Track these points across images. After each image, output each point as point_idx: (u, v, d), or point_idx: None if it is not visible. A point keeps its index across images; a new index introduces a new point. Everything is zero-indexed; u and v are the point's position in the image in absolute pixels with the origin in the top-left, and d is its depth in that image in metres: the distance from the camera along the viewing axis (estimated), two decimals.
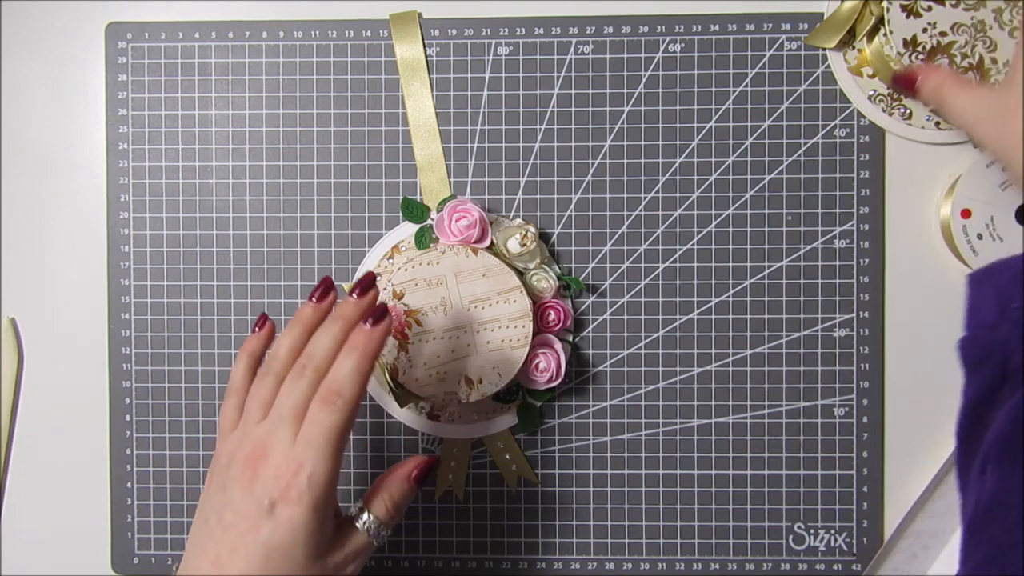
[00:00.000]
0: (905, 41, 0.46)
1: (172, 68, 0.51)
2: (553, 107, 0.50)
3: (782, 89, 0.50)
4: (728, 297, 0.50)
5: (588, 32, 0.50)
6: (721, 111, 0.50)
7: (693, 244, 0.50)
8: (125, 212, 0.51)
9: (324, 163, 0.51)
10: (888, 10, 0.47)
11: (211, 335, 0.51)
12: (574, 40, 0.50)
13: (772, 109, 0.50)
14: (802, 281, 0.50)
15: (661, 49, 0.50)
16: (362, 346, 0.39)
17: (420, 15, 0.50)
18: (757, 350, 0.50)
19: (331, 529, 0.39)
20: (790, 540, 0.50)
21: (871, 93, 0.49)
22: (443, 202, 0.50)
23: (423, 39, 0.50)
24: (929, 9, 0.46)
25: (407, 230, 0.51)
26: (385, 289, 0.47)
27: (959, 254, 0.48)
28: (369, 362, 0.39)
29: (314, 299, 0.42)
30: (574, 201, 0.51)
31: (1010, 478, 0.34)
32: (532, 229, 0.48)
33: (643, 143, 0.50)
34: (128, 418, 0.51)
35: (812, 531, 0.50)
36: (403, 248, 0.50)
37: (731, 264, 0.50)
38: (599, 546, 0.51)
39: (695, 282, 0.50)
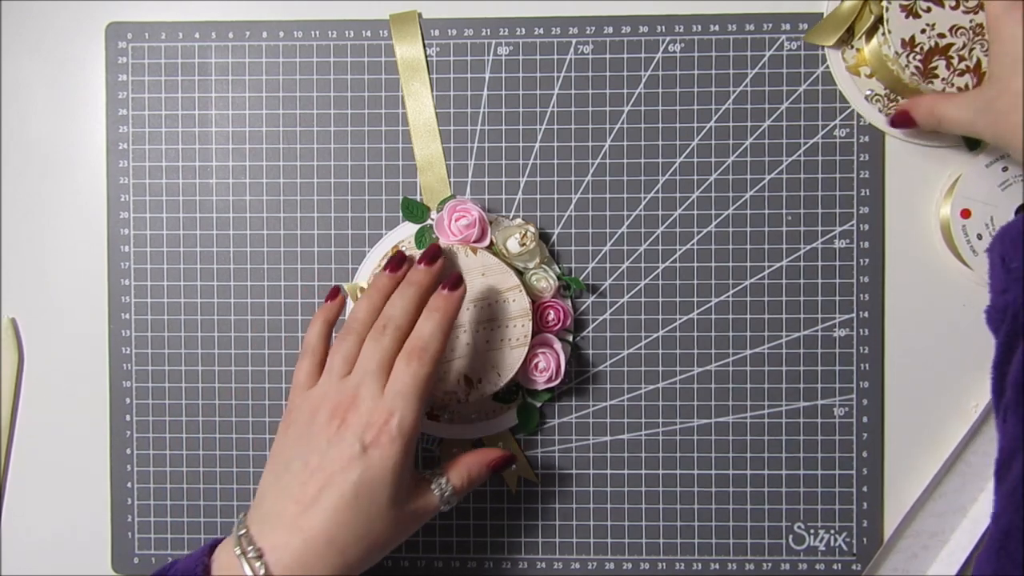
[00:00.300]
0: (903, 41, 0.46)
1: (172, 68, 0.51)
2: (553, 107, 0.50)
3: (782, 89, 0.50)
4: (728, 297, 0.50)
5: (588, 32, 0.50)
6: (721, 111, 0.50)
7: (693, 244, 0.50)
8: (125, 212, 0.51)
9: (324, 163, 0.51)
10: (887, 9, 0.46)
11: (211, 335, 0.51)
12: (574, 40, 0.50)
13: (772, 109, 0.50)
14: (802, 281, 0.50)
15: (661, 49, 0.50)
16: (443, 308, 0.43)
17: (420, 15, 0.50)
18: (757, 350, 0.50)
19: (410, 481, 0.42)
20: (790, 540, 0.50)
21: (868, 93, 0.49)
22: (443, 202, 0.50)
23: (423, 39, 0.50)
24: (928, 10, 0.46)
25: (407, 230, 0.51)
26: None
27: (959, 254, 0.48)
28: (449, 322, 0.43)
29: (388, 270, 0.45)
30: (574, 201, 0.51)
31: None
32: (532, 229, 0.48)
33: (643, 143, 0.50)
34: (128, 418, 0.51)
35: (812, 531, 0.50)
36: (403, 248, 0.50)
37: (731, 264, 0.50)
38: (599, 546, 0.51)
39: (695, 282, 0.50)
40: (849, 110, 0.50)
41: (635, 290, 0.50)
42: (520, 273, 0.48)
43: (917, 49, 0.46)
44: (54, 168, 0.52)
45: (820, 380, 0.50)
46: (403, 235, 0.51)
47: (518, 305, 0.47)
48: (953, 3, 0.46)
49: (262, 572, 0.38)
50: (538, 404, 0.50)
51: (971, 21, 0.46)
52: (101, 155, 0.52)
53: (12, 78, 0.52)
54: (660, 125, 0.50)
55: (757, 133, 0.50)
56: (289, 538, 0.39)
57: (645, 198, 0.50)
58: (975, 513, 0.50)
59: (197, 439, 0.51)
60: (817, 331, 0.50)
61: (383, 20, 0.51)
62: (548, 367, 0.48)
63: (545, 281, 0.49)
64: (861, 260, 0.50)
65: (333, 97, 0.51)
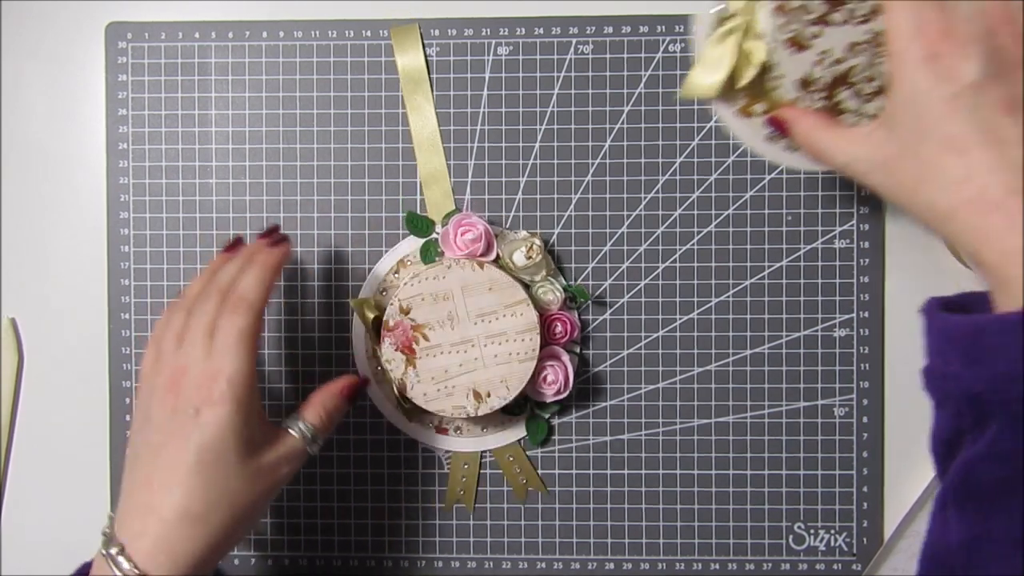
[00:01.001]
0: (799, 83, 0.38)
1: (172, 68, 0.51)
2: (553, 107, 0.50)
3: None
4: (728, 297, 0.50)
5: (588, 32, 0.50)
6: None
7: (693, 244, 0.50)
8: (125, 212, 0.51)
9: (324, 163, 0.51)
10: (774, 52, 0.38)
11: None
12: (574, 40, 0.50)
13: None
14: (802, 281, 0.50)
15: (661, 49, 0.50)
16: (262, 261, 0.43)
17: (420, 29, 0.50)
18: (757, 350, 0.50)
19: (260, 431, 0.41)
20: (790, 540, 0.50)
21: (768, 132, 0.41)
22: (448, 216, 0.50)
23: (424, 52, 0.50)
24: (818, 34, 0.38)
25: (412, 244, 0.51)
26: (392, 304, 0.47)
27: (959, 255, 0.48)
28: (270, 272, 0.42)
29: (225, 252, 0.45)
30: (574, 201, 0.51)
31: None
32: (538, 242, 0.48)
33: (643, 143, 0.50)
34: (128, 418, 0.51)
35: (812, 531, 0.50)
36: (409, 262, 0.50)
37: (731, 264, 0.50)
38: (599, 546, 0.51)
39: (695, 282, 0.50)
40: None
41: (635, 290, 0.50)
42: (527, 286, 0.48)
43: (817, 86, 0.38)
44: (54, 168, 0.52)
45: (820, 380, 0.50)
46: (408, 249, 0.50)
47: (525, 319, 0.47)
48: (844, 17, 0.37)
49: (126, 566, 0.37)
50: (547, 416, 0.50)
51: (868, 32, 0.37)
52: (101, 155, 0.52)
53: (12, 78, 0.52)
54: (660, 125, 0.50)
55: None
56: (144, 523, 0.38)
57: (645, 198, 0.50)
58: None
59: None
60: (817, 331, 0.50)
61: (383, 20, 0.51)
62: (556, 379, 0.48)
63: (552, 294, 0.49)
64: (861, 260, 0.50)
65: (333, 97, 0.51)
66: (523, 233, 0.50)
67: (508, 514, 0.51)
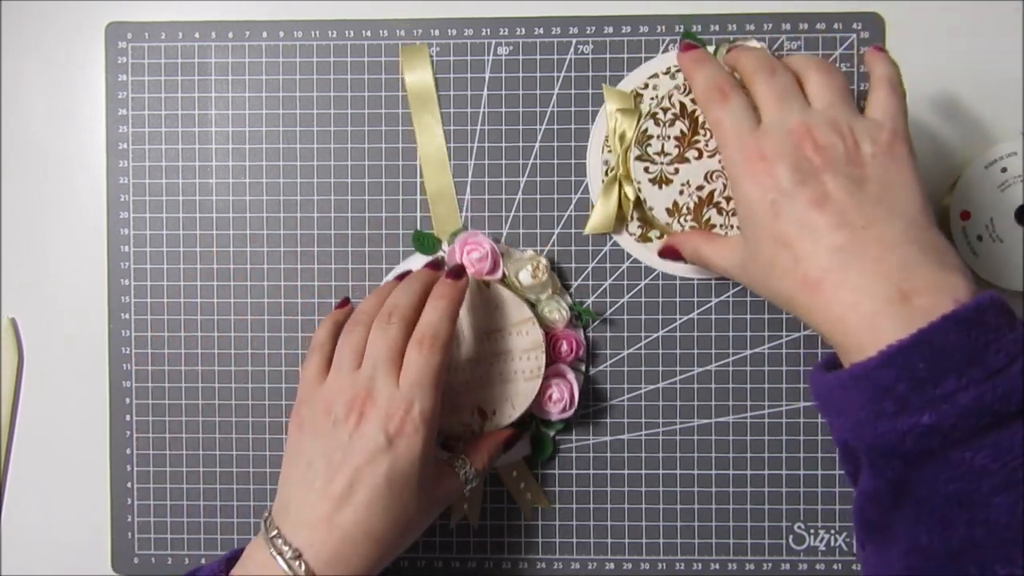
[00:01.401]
0: (668, 211, 0.45)
1: (172, 68, 0.51)
2: (553, 107, 0.50)
3: None
4: (728, 297, 0.50)
5: (588, 32, 0.50)
6: None
7: None
8: (125, 212, 0.51)
9: (324, 163, 0.51)
10: (640, 190, 0.45)
11: (211, 335, 0.51)
12: (574, 40, 0.50)
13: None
14: None
15: (660, 49, 0.50)
16: (447, 295, 0.44)
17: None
18: (757, 350, 0.50)
19: (433, 466, 0.43)
20: (790, 540, 0.51)
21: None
22: (454, 234, 0.50)
23: (434, 72, 0.50)
24: (676, 171, 0.45)
25: (418, 261, 0.50)
26: None
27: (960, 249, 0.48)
28: (455, 308, 0.44)
29: (397, 280, 0.47)
30: (574, 201, 0.51)
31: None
32: (543, 261, 0.48)
33: None
34: (128, 418, 0.51)
35: (812, 531, 0.50)
36: None
37: None
38: (599, 546, 0.51)
39: (695, 282, 0.50)
40: None
41: (635, 290, 0.50)
42: (532, 305, 0.48)
43: (683, 211, 0.45)
44: (54, 168, 0.52)
45: None
46: (415, 266, 0.50)
47: (531, 337, 0.47)
48: (696, 154, 0.45)
49: (302, 571, 0.38)
50: (552, 433, 0.50)
51: (721, 161, 0.44)
52: (101, 155, 0.52)
53: (12, 78, 0.52)
54: None
55: None
56: (326, 535, 0.39)
57: None
58: None
59: (197, 439, 0.51)
60: None
61: (383, 20, 0.51)
62: (562, 398, 0.49)
63: (558, 312, 0.49)
64: None
65: (333, 97, 0.51)
66: (529, 252, 0.50)
67: (508, 514, 0.51)
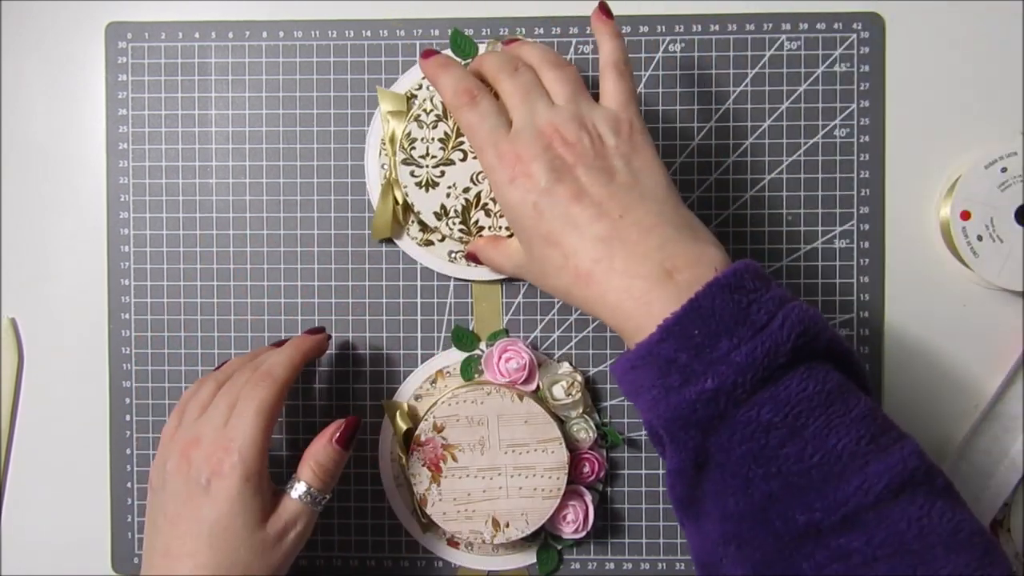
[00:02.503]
0: (436, 214, 0.46)
1: (172, 68, 0.51)
2: None
3: (782, 89, 0.50)
4: None
5: (588, 32, 0.50)
6: (721, 111, 0.50)
7: None
8: (125, 212, 0.51)
9: (324, 163, 0.51)
10: (407, 194, 0.46)
11: (211, 335, 0.51)
12: (574, 40, 0.50)
13: (772, 109, 0.50)
14: (802, 281, 0.50)
15: (661, 49, 0.50)
16: (297, 343, 0.45)
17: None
18: None
19: (268, 501, 0.42)
20: None
21: (449, 253, 0.50)
22: (494, 335, 0.50)
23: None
24: (442, 174, 0.46)
25: (454, 356, 0.50)
26: (426, 420, 0.47)
27: (959, 255, 0.48)
28: (301, 355, 0.45)
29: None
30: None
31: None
32: (579, 378, 0.49)
33: None
34: (128, 418, 0.51)
35: None
36: (447, 374, 0.50)
37: None
38: (599, 546, 0.51)
39: None
40: (849, 110, 0.50)
41: None
42: (561, 422, 0.48)
43: (451, 214, 0.46)
44: (54, 168, 0.52)
45: None
46: (448, 360, 0.51)
47: (556, 457, 0.47)
48: (461, 156, 0.46)
49: None
50: (558, 547, 0.50)
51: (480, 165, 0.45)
52: (101, 155, 0.52)
53: (12, 78, 0.52)
54: (660, 125, 0.50)
55: (757, 133, 0.50)
56: None
57: None
58: (976, 511, 0.50)
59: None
60: None
61: (383, 20, 0.51)
62: (576, 519, 0.49)
63: (585, 432, 0.49)
64: (861, 260, 0.50)
65: (333, 97, 0.51)
66: (566, 367, 0.50)
67: None
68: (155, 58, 0.51)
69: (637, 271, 0.36)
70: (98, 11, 0.51)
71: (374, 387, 0.51)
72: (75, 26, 0.52)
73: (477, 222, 0.46)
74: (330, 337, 0.49)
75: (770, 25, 0.50)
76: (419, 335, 0.51)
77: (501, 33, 0.50)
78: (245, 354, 0.47)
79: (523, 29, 0.50)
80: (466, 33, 0.50)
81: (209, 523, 0.39)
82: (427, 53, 0.43)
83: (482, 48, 0.49)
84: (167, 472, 0.41)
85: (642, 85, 0.50)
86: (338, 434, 0.44)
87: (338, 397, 0.51)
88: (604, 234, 0.37)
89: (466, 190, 0.46)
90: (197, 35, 0.51)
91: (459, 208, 0.46)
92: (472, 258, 0.46)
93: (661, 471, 0.51)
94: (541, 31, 0.50)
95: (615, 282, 0.36)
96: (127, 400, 0.51)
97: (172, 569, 0.39)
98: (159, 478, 0.42)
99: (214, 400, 0.43)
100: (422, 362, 0.51)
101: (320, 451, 0.44)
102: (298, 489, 0.43)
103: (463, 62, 0.48)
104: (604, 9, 0.43)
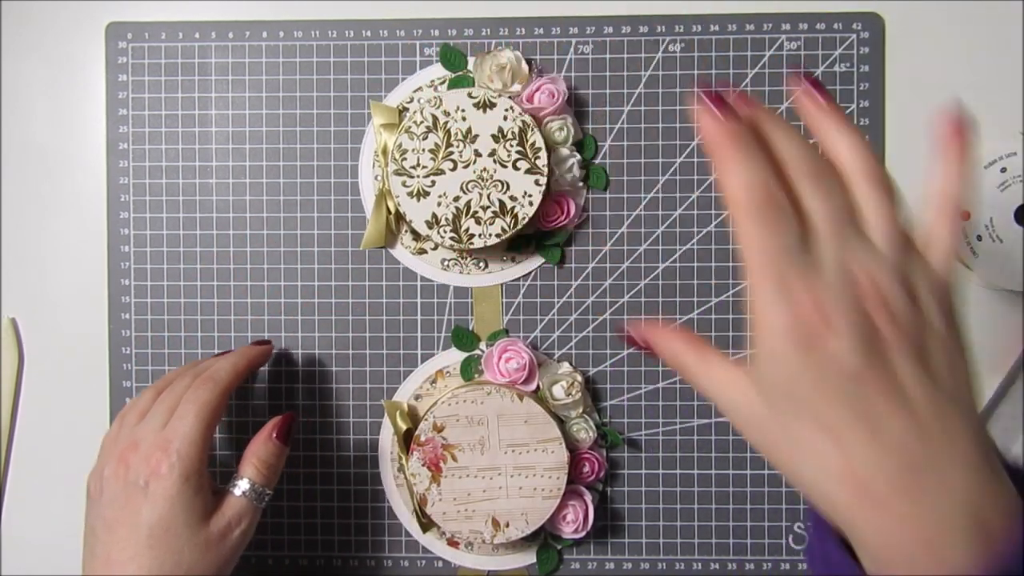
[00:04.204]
0: (428, 223, 0.47)
1: (172, 68, 0.51)
2: None
3: (782, 89, 0.50)
4: (728, 297, 0.50)
5: (588, 32, 0.50)
6: None
7: (693, 244, 0.50)
8: (125, 212, 0.51)
9: (324, 163, 0.51)
10: (400, 204, 0.47)
11: (211, 335, 0.51)
12: (574, 40, 0.50)
13: (772, 109, 0.50)
14: None
15: (661, 49, 0.50)
16: (242, 351, 0.46)
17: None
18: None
19: (210, 500, 0.41)
20: (790, 540, 0.50)
21: (442, 261, 0.50)
22: (494, 335, 0.50)
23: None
24: (433, 184, 0.46)
25: (454, 356, 0.51)
26: (426, 420, 0.47)
27: (959, 255, 0.48)
28: (245, 361, 0.45)
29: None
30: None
31: None
32: (579, 378, 0.49)
33: (643, 143, 0.50)
34: None
35: None
36: (447, 374, 0.50)
37: (731, 264, 0.50)
38: (599, 546, 0.51)
39: (695, 282, 0.50)
40: (849, 110, 0.50)
41: (635, 290, 0.50)
42: (561, 422, 0.49)
43: (442, 223, 0.46)
44: (54, 168, 0.52)
45: None
46: (449, 360, 0.51)
47: (556, 457, 0.47)
48: (451, 165, 0.46)
49: None
50: (558, 547, 0.50)
51: (475, 171, 0.46)
52: (101, 155, 0.52)
53: (12, 78, 0.52)
54: (660, 125, 0.50)
55: None
56: None
57: (645, 198, 0.50)
58: None
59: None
60: None
61: (383, 20, 0.51)
62: (576, 519, 0.49)
63: (585, 432, 0.49)
64: None
65: (333, 97, 0.51)
66: (566, 367, 0.50)
67: None
68: (155, 58, 0.51)
69: (945, 515, 0.27)
70: (98, 11, 0.51)
71: (374, 387, 0.51)
72: (75, 26, 0.52)
73: (467, 230, 0.46)
74: (271, 344, 0.49)
75: (770, 25, 0.50)
76: (419, 335, 0.51)
77: (501, 33, 0.50)
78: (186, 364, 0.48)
79: (523, 29, 0.50)
80: (466, 33, 0.50)
81: (149, 525, 0.39)
82: (710, 97, 0.30)
83: (471, 62, 0.48)
84: (104, 479, 0.41)
85: (642, 85, 0.50)
86: (276, 430, 0.44)
87: (338, 397, 0.51)
88: (913, 453, 0.27)
89: (456, 199, 0.46)
90: (197, 35, 0.51)
91: (450, 216, 0.47)
92: (632, 342, 0.34)
93: (661, 471, 0.51)
94: (541, 31, 0.50)
95: (913, 523, 0.27)
96: (127, 400, 0.51)
97: (112, 572, 0.39)
98: (96, 486, 0.42)
99: (153, 406, 0.43)
100: (422, 362, 0.51)
101: (261, 448, 0.44)
102: (241, 486, 0.42)
103: (454, 75, 0.49)
104: (959, 127, 0.31)
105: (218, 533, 0.41)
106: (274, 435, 0.44)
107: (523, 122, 0.46)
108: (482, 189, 0.47)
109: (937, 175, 0.31)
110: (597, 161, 0.50)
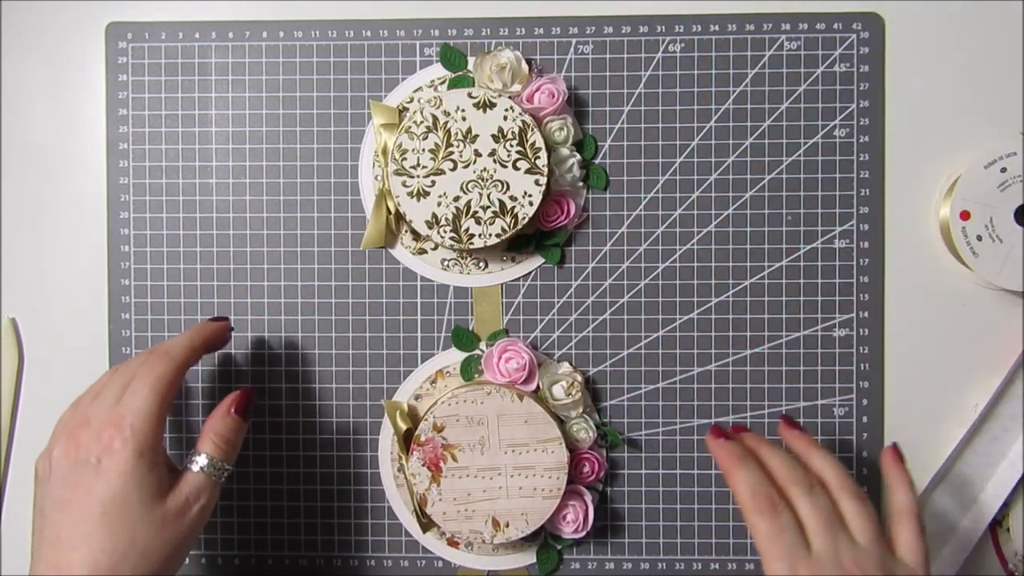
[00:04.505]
0: (427, 223, 0.47)
1: (172, 68, 0.51)
2: None
3: (782, 89, 0.50)
4: (728, 297, 0.50)
5: (588, 32, 0.50)
6: (721, 111, 0.50)
7: (693, 244, 0.50)
8: (125, 212, 0.51)
9: (324, 163, 0.51)
10: (400, 204, 0.47)
11: None
12: (574, 40, 0.50)
13: (772, 109, 0.50)
14: (802, 281, 0.50)
15: (661, 49, 0.50)
16: (199, 327, 0.46)
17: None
18: (757, 350, 0.50)
19: (165, 476, 0.40)
20: None
21: (442, 261, 0.50)
22: (494, 335, 0.50)
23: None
24: (433, 184, 0.46)
25: (454, 356, 0.50)
26: (426, 420, 0.47)
27: (959, 255, 0.48)
28: (201, 337, 0.45)
29: None
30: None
31: None
32: (579, 378, 0.49)
33: (643, 143, 0.50)
34: None
35: None
36: (447, 373, 0.50)
37: (731, 264, 0.50)
38: (599, 546, 0.51)
39: (695, 282, 0.50)
40: (849, 110, 0.50)
41: (635, 290, 0.50)
42: (561, 421, 0.49)
43: (442, 223, 0.46)
44: (54, 168, 0.52)
45: (820, 380, 0.50)
46: (449, 360, 0.51)
47: (556, 457, 0.47)
48: (451, 165, 0.46)
49: None
50: (558, 547, 0.50)
51: (475, 171, 0.46)
52: (101, 155, 0.52)
53: (12, 78, 0.52)
54: (660, 125, 0.50)
55: (757, 133, 0.50)
56: None
57: (645, 198, 0.50)
58: (976, 512, 0.50)
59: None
60: (817, 331, 0.50)
61: (383, 20, 0.51)
62: (576, 519, 0.49)
63: (585, 432, 0.49)
64: (861, 260, 0.50)
65: (333, 97, 0.51)
66: (566, 367, 0.50)
67: None
68: (155, 58, 0.51)
69: None
70: (98, 11, 0.51)
71: (374, 387, 0.51)
72: (75, 26, 0.52)
73: (468, 230, 0.46)
74: (227, 321, 0.48)
75: (770, 25, 0.50)
76: (419, 335, 0.51)
77: (501, 33, 0.50)
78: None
79: (523, 29, 0.50)
80: (466, 33, 0.50)
81: (102, 502, 0.37)
82: (716, 432, 0.44)
83: (471, 62, 0.48)
84: (53, 459, 0.39)
85: (642, 85, 0.50)
86: (235, 405, 0.44)
87: (338, 397, 0.51)
88: None
89: (456, 199, 0.46)
90: (197, 35, 0.51)
91: (449, 216, 0.46)
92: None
93: (661, 471, 0.51)
94: (541, 31, 0.50)
95: None
96: None
97: (64, 557, 0.37)
98: (45, 468, 0.40)
99: (106, 384, 0.41)
100: (422, 362, 0.51)
101: (219, 423, 0.43)
102: (199, 462, 0.42)
103: (454, 75, 0.48)
104: (897, 453, 0.44)
105: (175, 510, 0.40)
106: (232, 410, 0.44)
107: (523, 122, 0.47)
108: (482, 189, 0.47)
109: (892, 493, 0.43)
110: (597, 161, 0.50)
